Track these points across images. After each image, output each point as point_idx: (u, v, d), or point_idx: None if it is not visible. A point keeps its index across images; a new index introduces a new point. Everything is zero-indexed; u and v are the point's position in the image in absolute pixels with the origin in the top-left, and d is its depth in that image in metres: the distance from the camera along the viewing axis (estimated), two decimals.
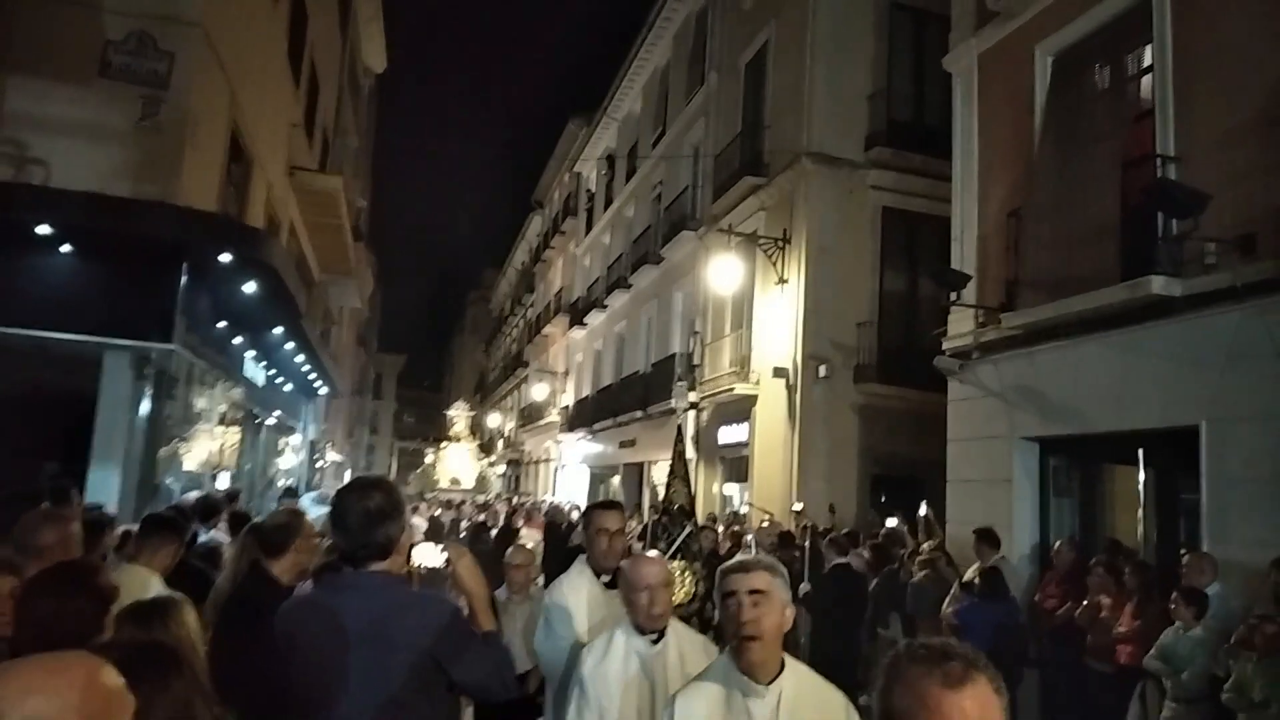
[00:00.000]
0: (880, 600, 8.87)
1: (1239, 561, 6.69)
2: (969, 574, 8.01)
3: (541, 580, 6.28)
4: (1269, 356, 6.71)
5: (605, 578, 3.72)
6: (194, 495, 8.74)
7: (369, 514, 2.54)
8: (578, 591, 3.71)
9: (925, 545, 9.31)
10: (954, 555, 8.68)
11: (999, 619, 7.26)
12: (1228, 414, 7.02)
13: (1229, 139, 7.21)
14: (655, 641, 3.12)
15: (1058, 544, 8.40)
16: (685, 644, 3.21)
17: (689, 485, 7.07)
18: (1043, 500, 9.27)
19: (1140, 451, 8.13)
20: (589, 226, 29.92)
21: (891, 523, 10.91)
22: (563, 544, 11.01)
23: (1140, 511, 8.29)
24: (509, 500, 21.41)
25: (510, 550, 5.27)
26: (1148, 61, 8.29)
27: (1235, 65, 7.28)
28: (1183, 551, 6.77)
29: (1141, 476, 8.19)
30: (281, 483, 12.18)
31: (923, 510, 10.40)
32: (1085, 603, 7.40)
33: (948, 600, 7.86)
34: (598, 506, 4.00)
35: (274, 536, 3.57)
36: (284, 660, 2.51)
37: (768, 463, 14.43)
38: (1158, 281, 7.33)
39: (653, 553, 3.68)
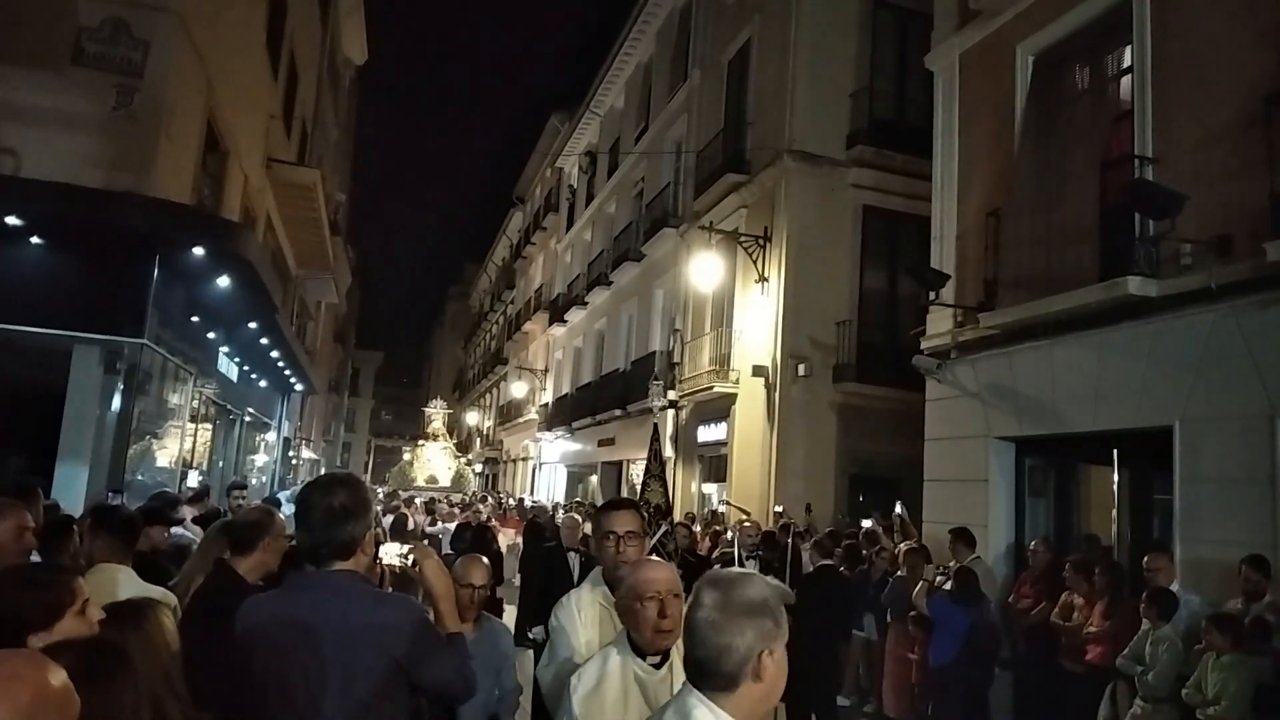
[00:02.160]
0: (853, 601, 8.87)
1: (1211, 560, 6.74)
2: (930, 572, 7.98)
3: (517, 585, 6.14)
4: (1242, 358, 6.76)
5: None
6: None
7: (333, 511, 2.47)
8: (587, 609, 3.16)
9: (901, 545, 9.32)
10: (930, 554, 8.69)
11: (971, 619, 7.27)
12: (1201, 415, 7.07)
13: (1206, 140, 7.25)
14: (659, 665, 2.63)
15: (1033, 544, 8.43)
16: None
17: (665, 484, 7.03)
18: (1018, 500, 9.31)
19: (1115, 452, 8.17)
20: (570, 223, 29.84)
21: (867, 524, 10.92)
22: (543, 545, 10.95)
23: (1114, 512, 8.33)
24: (485, 498, 21.27)
25: (461, 564, 3.88)
26: (1127, 62, 8.33)
27: (1213, 67, 7.33)
28: (1145, 557, 6.78)
29: (1116, 477, 8.23)
30: (193, 481, 11.97)
31: (898, 510, 10.42)
32: (1060, 603, 7.43)
33: (916, 592, 7.84)
34: (607, 506, 3.49)
35: (245, 534, 3.49)
36: (245, 659, 2.46)
37: (746, 462, 14.43)
38: (1134, 282, 7.36)
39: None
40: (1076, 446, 8.84)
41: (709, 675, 1.77)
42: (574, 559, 7.62)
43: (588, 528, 12.76)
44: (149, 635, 2.35)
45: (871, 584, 8.97)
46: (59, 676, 1.43)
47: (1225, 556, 6.50)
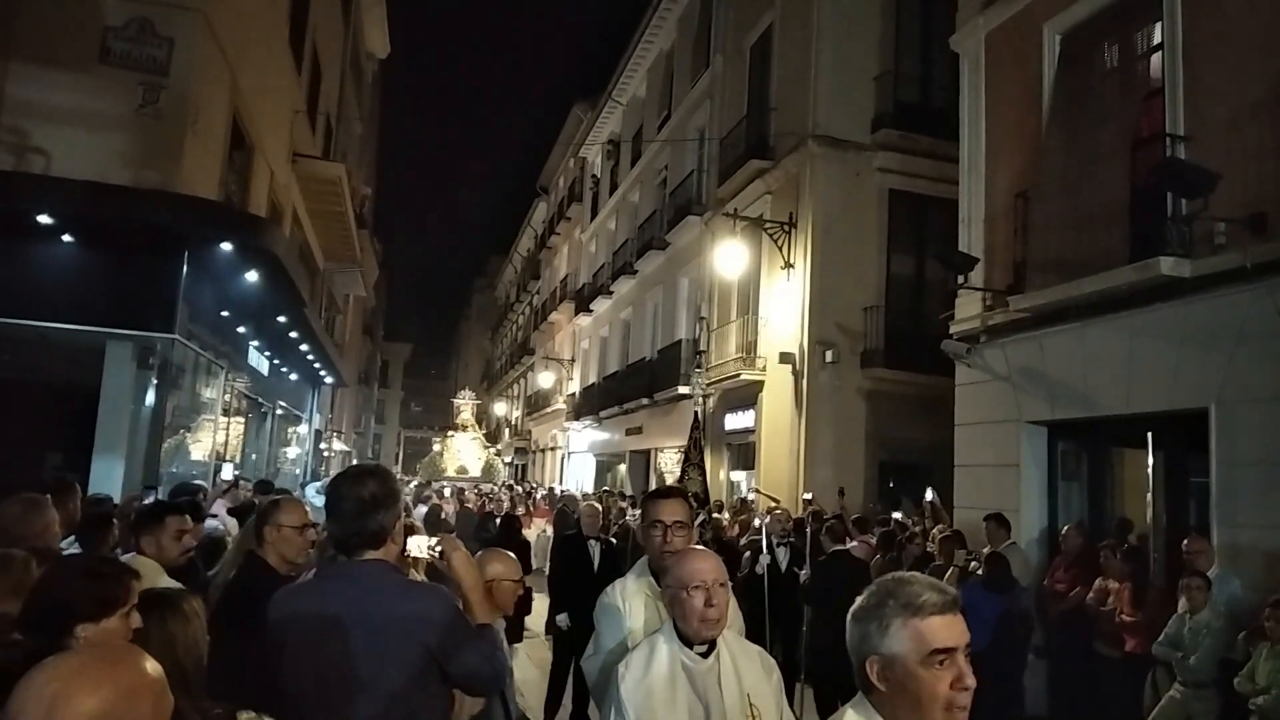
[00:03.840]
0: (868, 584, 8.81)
1: (1249, 545, 6.64)
2: (962, 558, 7.93)
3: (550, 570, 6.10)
4: (1278, 337, 6.62)
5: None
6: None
7: (363, 501, 2.48)
8: (633, 598, 3.10)
9: (934, 530, 9.26)
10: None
11: (1004, 606, 7.19)
12: (1237, 396, 6.94)
13: (1239, 118, 7.09)
14: (705, 655, 2.60)
15: (1065, 528, 8.34)
16: (740, 657, 2.67)
17: (704, 473, 7.03)
18: (1051, 485, 9.19)
19: (1149, 435, 8.04)
20: (594, 212, 29.83)
21: (897, 515, 10.84)
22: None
23: (1149, 495, 8.20)
24: (510, 488, 21.36)
25: (481, 557, 3.49)
26: (1157, 39, 8.16)
27: (1245, 43, 7.16)
28: (1184, 540, 6.70)
29: (1150, 460, 8.10)
30: (227, 474, 12.03)
31: (929, 496, 10.33)
32: (1094, 587, 7.35)
33: (946, 579, 7.80)
34: (654, 495, 3.39)
35: (256, 524, 3.55)
36: (276, 650, 2.47)
37: (774, 449, 14.38)
38: (1167, 262, 7.23)
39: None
40: (1109, 430, 8.72)
41: (855, 675, 1.78)
42: (594, 547, 7.64)
43: (630, 516, 12.73)
44: (169, 629, 2.38)
45: (903, 570, 8.90)
46: (156, 668, 1.47)
47: (1265, 540, 6.40)
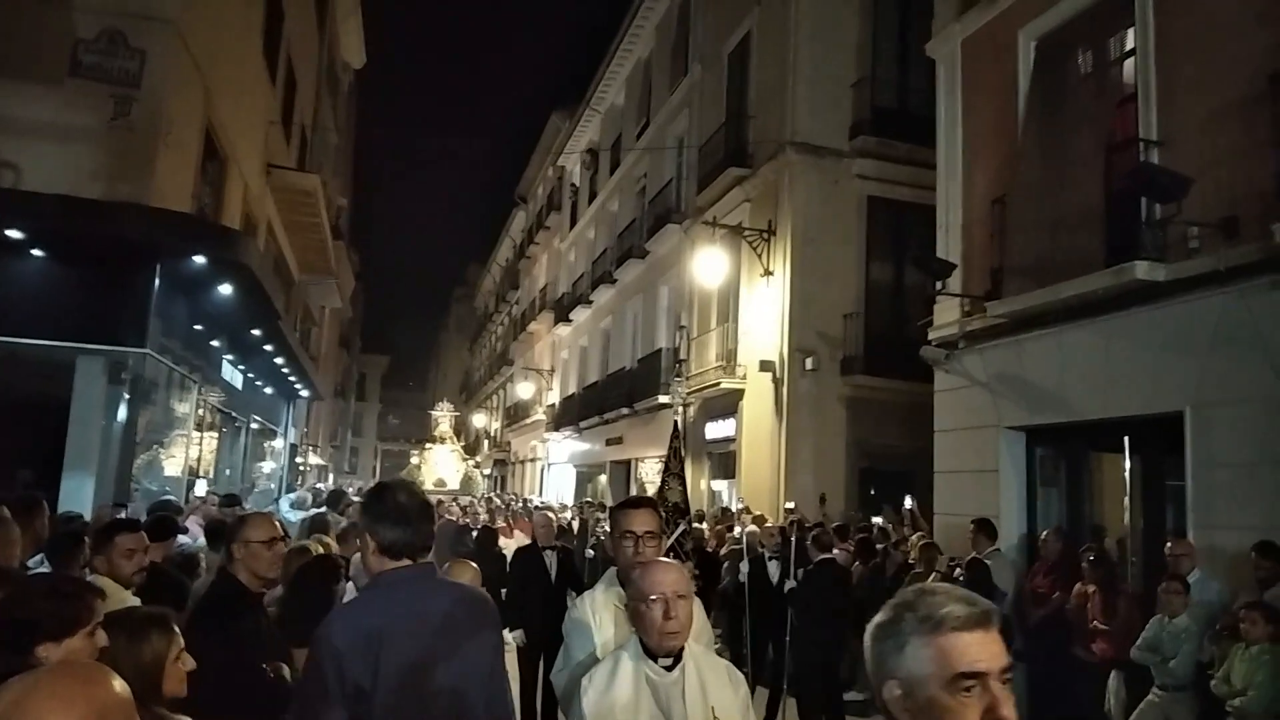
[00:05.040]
0: (866, 595, 8.81)
1: (1224, 547, 6.68)
2: (943, 564, 7.97)
3: None
4: (1252, 340, 6.68)
5: None
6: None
7: (428, 507, 2.75)
8: (602, 609, 3.09)
9: (913, 537, 9.27)
10: (942, 546, 8.64)
11: None
12: (1212, 399, 6.99)
13: (1211, 122, 7.17)
14: (670, 668, 2.60)
15: (1044, 534, 8.36)
16: (706, 671, 2.66)
17: (685, 483, 6.99)
18: (1029, 490, 9.23)
19: (1126, 439, 8.09)
20: (573, 221, 29.80)
21: (878, 520, 10.86)
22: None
23: (1127, 499, 8.25)
24: (489, 501, 21.22)
25: (450, 567, 3.85)
26: (1130, 45, 8.24)
27: (1217, 48, 7.24)
28: (1168, 543, 6.74)
29: (1127, 464, 8.15)
30: (201, 490, 11.88)
31: (908, 504, 10.35)
32: (1075, 592, 7.37)
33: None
34: (624, 505, 3.40)
35: (226, 541, 3.53)
36: (371, 662, 2.45)
37: (755, 457, 14.37)
38: (1142, 267, 7.28)
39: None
40: (1087, 434, 8.76)
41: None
42: (550, 557, 7.58)
43: (602, 527, 12.66)
44: (137, 653, 2.37)
45: (886, 578, 8.90)
46: (125, 687, 1.45)
47: (1240, 542, 6.43)
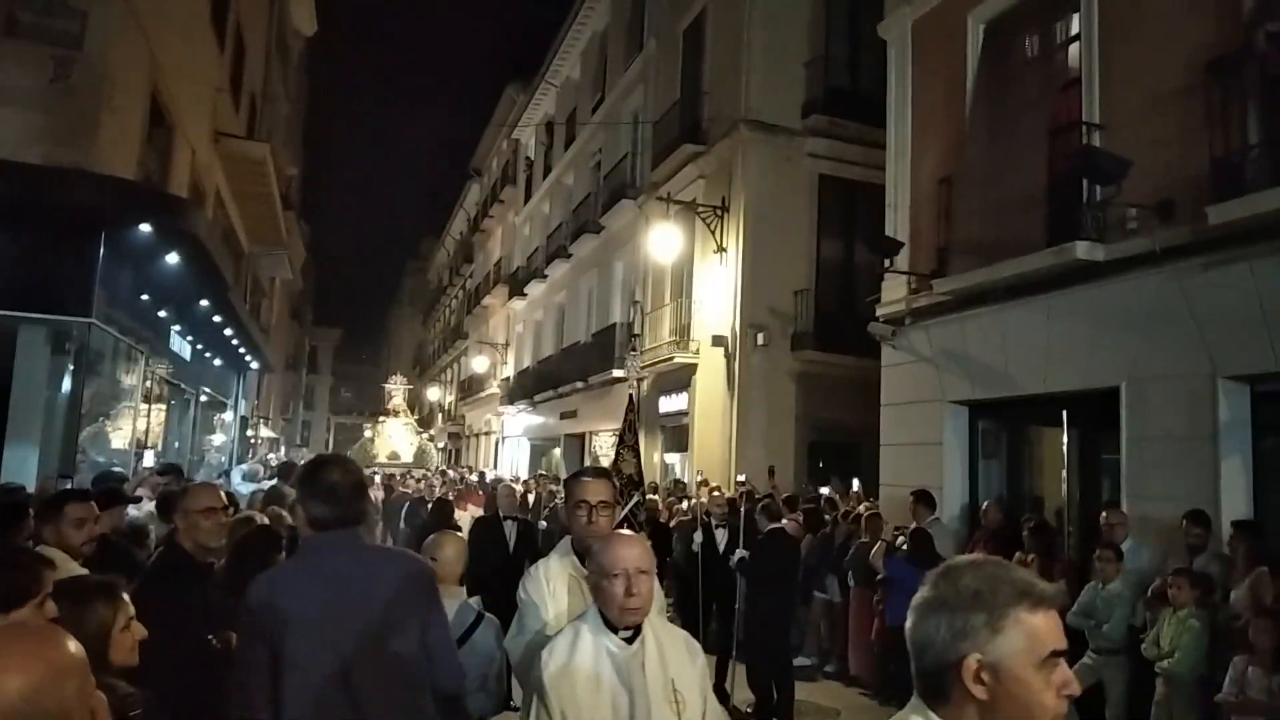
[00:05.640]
0: (815, 564, 9.03)
1: (1156, 517, 6.96)
2: (889, 533, 8.21)
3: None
4: (1185, 319, 6.94)
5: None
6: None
7: (359, 486, 2.83)
8: (556, 579, 3.12)
9: (861, 508, 9.49)
10: (887, 516, 8.87)
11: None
12: (1146, 375, 7.26)
13: (1151, 107, 7.38)
14: (630, 640, 2.61)
15: (985, 504, 8.62)
16: (666, 643, 2.68)
17: (638, 455, 7.06)
18: (972, 462, 9.50)
19: (1065, 413, 8.36)
20: (528, 195, 29.60)
21: (825, 491, 11.09)
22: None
23: (1064, 472, 8.54)
24: (443, 473, 21.16)
25: (431, 540, 3.87)
26: (1075, 30, 8.43)
27: (1157, 35, 7.44)
28: (1103, 513, 7.01)
29: (1066, 438, 8.43)
30: (149, 461, 11.62)
31: (855, 487, 10.61)
32: (1014, 560, 7.61)
33: (874, 553, 8.10)
34: (578, 475, 3.41)
35: (169, 511, 3.55)
36: (274, 628, 2.54)
37: (707, 431, 14.53)
38: (1082, 247, 7.50)
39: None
40: (1028, 409, 9.03)
41: (917, 678, 1.44)
42: (510, 527, 7.63)
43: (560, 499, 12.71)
44: (74, 615, 2.35)
45: (834, 547, 9.12)
46: (79, 649, 1.42)
47: (1169, 512, 6.71)
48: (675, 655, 2.65)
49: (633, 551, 2.61)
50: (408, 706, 2.63)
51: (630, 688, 2.53)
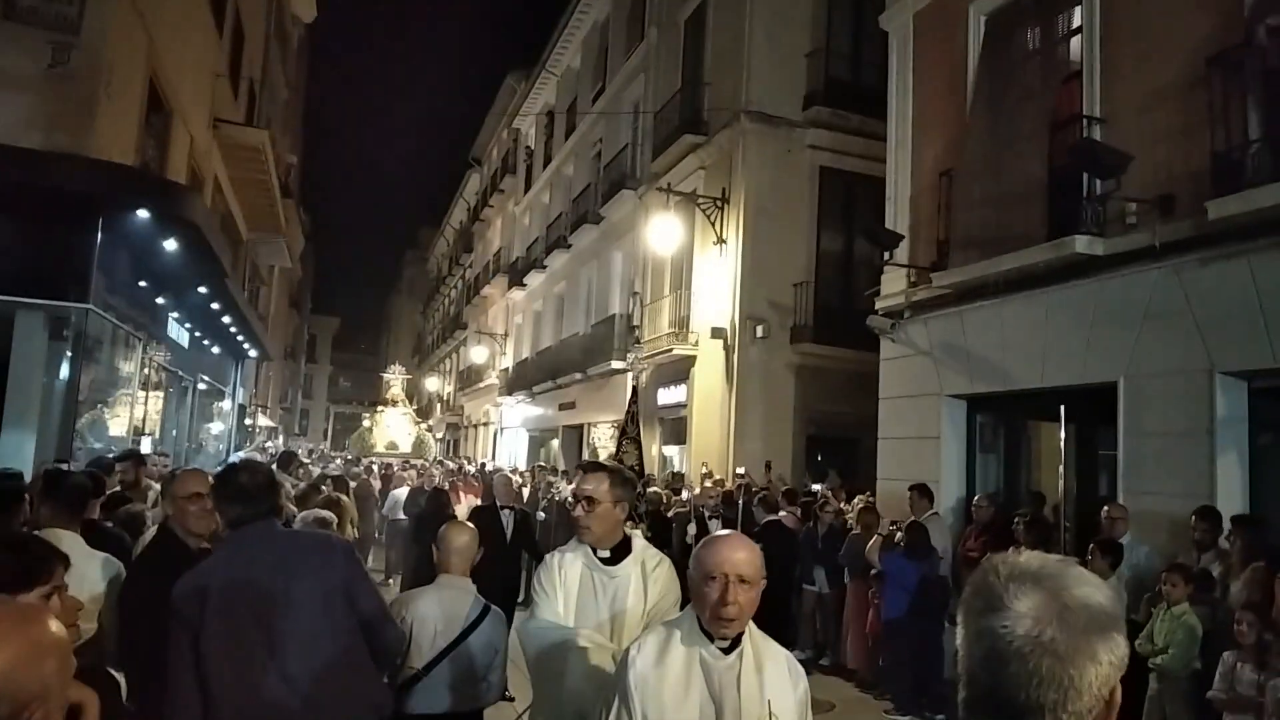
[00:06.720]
0: (804, 555, 9.03)
1: (1153, 512, 6.96)
2: (885, 526, 8.20)
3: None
4: (1183, 314, 6.93)
5: (604, 554, 3.15)
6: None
7: (270, 484, 3.03)
8: (569, 568, 3.14)
9: (855, 501, 9.49)
10: (885, 510, 8.87)
11: (922, 572, 7.45)
12: (1144, 370, 7.26)
13: (1152, 101, 7.36)
14: (727, 650, 2.38)
15: (977, 498, 8.63)
16: (766, 660, 2.42)
17: (640, 446, 7.06)
18: (969, 456, 9.50)
19: (1062, 408, 8.34)
20: (528, 185, 29.53)
21: (817, 488, 11.09)
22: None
23: (1061, 466, 8.53)
24: (442, 464, 21.16)
25: (444, 530, 3.78)
26: (1077, 23, 8.40)
27: (1158, 29, 7.42)
28: (1105, 508, 7.01)
29: (1063, 433, 8.41)
30: (146, 448, 11.25)
31: (829, 479, 10.62)
32: None
33: (869, 547, 8.09)
34: (578, 467, 3.51)
35: (162, 499, 3.57)
36: (199, 601, 2.68)
37: (706, 424, 14.53)
38: (1081, 241, 7.49)
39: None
40: (1025, 403, 9.02)
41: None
42: (507, 516, 7.66)
43: (557, 490, 12.76)
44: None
45: (819, 538, 9.11)
46: (61, 628, 1.39)
47: (1166, 508, 6.72)
48: (776, 675, 2.41)
49: (736, 556, 2.35)
50: (339, 676, 2.77)
51: (721, 701, 2.34)
